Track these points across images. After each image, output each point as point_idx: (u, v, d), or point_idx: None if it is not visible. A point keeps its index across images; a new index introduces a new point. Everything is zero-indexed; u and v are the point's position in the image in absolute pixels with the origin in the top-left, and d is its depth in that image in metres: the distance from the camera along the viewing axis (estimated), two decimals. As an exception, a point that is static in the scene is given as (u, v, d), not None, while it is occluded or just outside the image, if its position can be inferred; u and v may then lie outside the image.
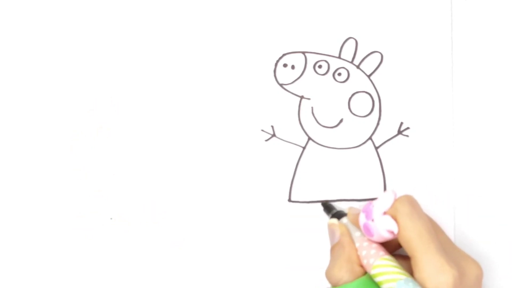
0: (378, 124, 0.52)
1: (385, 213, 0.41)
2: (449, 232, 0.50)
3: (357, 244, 0.42)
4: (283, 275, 0.51)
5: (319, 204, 0.51)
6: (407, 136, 0.52)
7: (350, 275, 0.40)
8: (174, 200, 0.52)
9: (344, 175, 0.51)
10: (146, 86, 0.52)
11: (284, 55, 0.52)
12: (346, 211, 0.45)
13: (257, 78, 0.52)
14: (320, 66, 0.52)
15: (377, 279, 0.40)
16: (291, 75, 0.52)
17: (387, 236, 0.40)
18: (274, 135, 0.52)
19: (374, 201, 0.42)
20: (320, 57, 0.52)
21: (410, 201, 0.40)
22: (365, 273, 0.41)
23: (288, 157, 0.52)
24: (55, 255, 0.51)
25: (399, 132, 0.52)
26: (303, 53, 0.52)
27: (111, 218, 0.52)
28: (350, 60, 0.52)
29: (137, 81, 0.52)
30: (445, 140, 0.51)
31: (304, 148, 0.52)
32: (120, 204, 0.52)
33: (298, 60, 0.52)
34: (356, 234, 0.43)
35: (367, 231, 0.41)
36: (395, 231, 0.40)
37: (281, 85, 0.52)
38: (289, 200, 0.51)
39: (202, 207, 0.51)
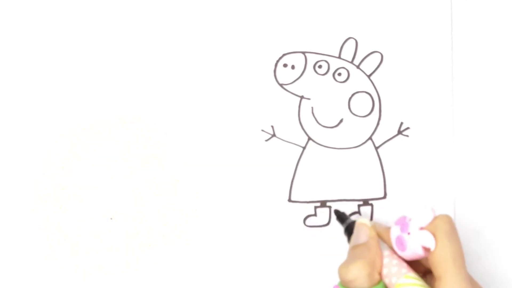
0: (378, 124, 0.52)
1: (422, 228, 0.39)
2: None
3: (385, 252, 0.41)
4: (282, 275, 0.51)
5: (319, 204, 0.51)
6: (407, 136, 0.52)
7: (367, 279, 0.39)
8: (174, 200, 0.52)
9: (344, 175, 0.51)
10: (146, 86, 0.52)
11: (284, 55, 0.52)
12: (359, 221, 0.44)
13: (257, 78, 0.52)
14: (320, 66, 0.52)
15: None
16: (291, 75, 0.52)
17: (419, 253, 0.39)
18: (274, 135, 0.52)
19: (410, 215, 0.40)
20: (320, 57, 0.52)
21: (450, 221, 0.39)
22: (380, 281, 0.40)
23: (288, 157, 0.52)
24: (55, 255, 0.51)
25: (399, 132, 0.52)
26: (303, 53, 0.52)
27: (111, 218, 0.52)
28: (350, 60, 0.52)
29: (136, 81, 0.52)
30: (445, 140, 0.51)
31: (304, 148, 0.52)
32: (120, 204, 0.52)
33: (298, 60, 0.52)
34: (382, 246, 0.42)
35: (399, 245, 0.40)
36: (432, 247, 0.38)
37: (281, 85, 0.52)
38: (289, 200, 0.51)
39: (202, 207, 0.51)
